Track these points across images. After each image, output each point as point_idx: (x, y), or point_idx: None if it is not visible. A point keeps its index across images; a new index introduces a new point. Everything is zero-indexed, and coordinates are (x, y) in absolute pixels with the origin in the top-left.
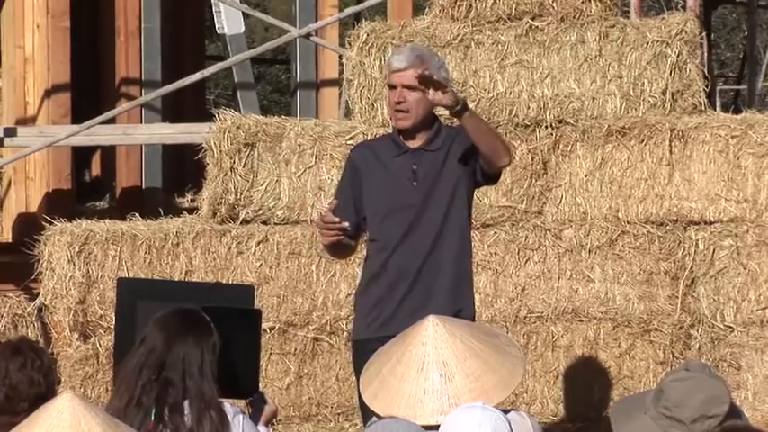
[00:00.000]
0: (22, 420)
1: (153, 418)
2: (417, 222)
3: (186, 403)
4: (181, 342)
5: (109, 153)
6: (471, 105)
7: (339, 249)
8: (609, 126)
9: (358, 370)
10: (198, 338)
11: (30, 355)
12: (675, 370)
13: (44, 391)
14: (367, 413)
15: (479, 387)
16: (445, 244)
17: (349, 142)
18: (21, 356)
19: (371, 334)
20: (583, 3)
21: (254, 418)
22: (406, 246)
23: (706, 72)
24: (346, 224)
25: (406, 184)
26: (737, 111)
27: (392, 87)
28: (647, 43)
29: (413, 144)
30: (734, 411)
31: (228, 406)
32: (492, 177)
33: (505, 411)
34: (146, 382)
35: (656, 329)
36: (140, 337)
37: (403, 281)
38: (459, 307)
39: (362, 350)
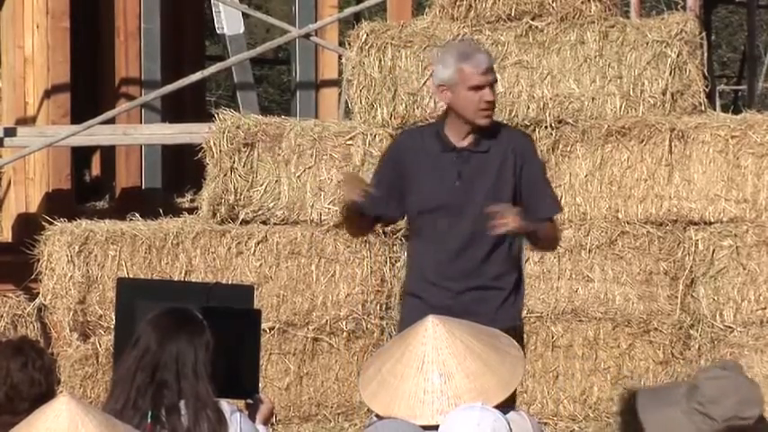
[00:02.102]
0: (22, 419)
1: (150, 420)
2: (477, 227)
3: (182, 404)
4: (173, 342)
5: (109, 153)
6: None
7: (358, 220)
8: (609, 126)
9: None
10: (190, 337)
11: (31, 354)
12: (711, 368)
13: (45, 391)
14: None
15: (479, 387)
16: (502, 251)
17: (348, 142)
18: (22, 356)
19: None
20: (583, 3)
21: (252, 418)
22: (468, 250)
23: (706, 72)
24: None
25: (454, 184)
26: (737, 111)
27: (479, 87)
28: (647, 43)
29: (460, 142)
30: (762, 418)
31: (225, 405)
32: None
33: (505, 411)
34: (140, 384)
35: (656, 329)
36: (133, 339)
37: (460, 284)
38: (516, 321)
39: None
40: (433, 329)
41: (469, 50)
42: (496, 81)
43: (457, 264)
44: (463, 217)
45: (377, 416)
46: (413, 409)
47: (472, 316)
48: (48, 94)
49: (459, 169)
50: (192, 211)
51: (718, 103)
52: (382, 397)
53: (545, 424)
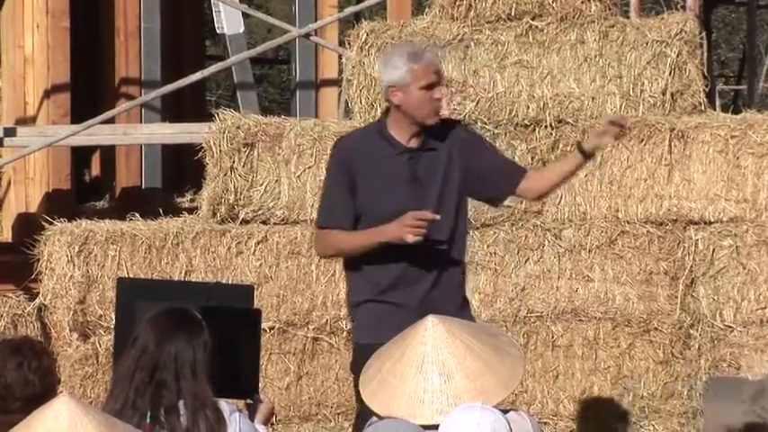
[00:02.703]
0: (16, 418)
1: (149, 420)
2: (431, 228)
3: (181, 404)
4: (172, 341)
5: (108, 153)
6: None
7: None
8: None
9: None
10: (189, 337)
11: (28, 355)
12: None
13: (39, 393)
14: (364, 417)
15: (478, 387)
16: (455, 248)
17: None
18: (19, 356)
19: (385, 340)
20: (583, 3)
21: (252, 418)
22: (421, 252)
23: (706, 72)
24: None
25: (408, 186)
26: (737, 111)
27: (431, 85)
28: (647, 43)
29: (408, 143)
30: None
31: (225, 405)
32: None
33: (505, 411)
34: (139, 384)
35: (656, 329)
36: (132, 339)
37: (420, 287)
38: (466, 311)
39: (369, 355)
40: (432, 329)
41: (418, 51)
42: (443, 81)
43: (418, 265)
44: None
45: (377, 416)
46: (412, 409)
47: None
48: (48, 93)
49: (412, 170)
50: (191, 210)
51: (717, 102)
52: (382, 396)
53: (545, 424)
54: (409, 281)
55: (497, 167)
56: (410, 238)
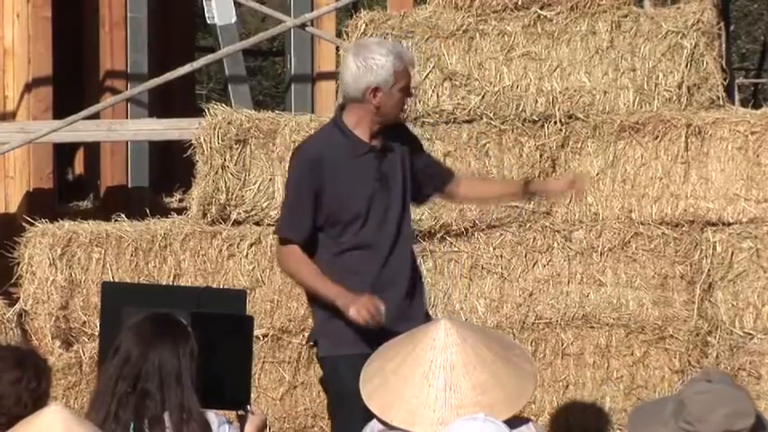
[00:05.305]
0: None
1: None
2: (400, 226)
3: (166, 415)
4: (156, 349)
5: (93, 150)
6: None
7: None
8: (621, 121)
9: (347, 386)
10: (174, 344)
11: (29, 373)
12: (696, 381)
13: (27, 414)
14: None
15: (485, 401)
16: (412, 252)
17: None
18: (20, 371)
19: (364, 349)
20: None
21: (243, 430)
22: (396, 251)
23: (724, 64)
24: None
25: (376, 185)
26: (757, 105)
27: (406, 86)
28: (662, 34)
29: (371, 141)
30: (759, 424)
31: (213, 416)
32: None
33: (515, 424)
34: (122, 394)
35: (672, 336)
36: (114, 347)
37: (395, 287)
38: (427, 310)
39: (351, 365)
40: (445, 334)
41: (400, 50)
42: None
43: (388, 268)
44: (388, 219)
45: (379, 420)
46: (413, 416)
47: (410, 321)
48: (28, 87)
49: (379, 169)
50: (180, 211)
51: (737, 97)
52: (382, 397)
53: None
54: (384, 285)
55: (431, 167)
56: (360, 320)
